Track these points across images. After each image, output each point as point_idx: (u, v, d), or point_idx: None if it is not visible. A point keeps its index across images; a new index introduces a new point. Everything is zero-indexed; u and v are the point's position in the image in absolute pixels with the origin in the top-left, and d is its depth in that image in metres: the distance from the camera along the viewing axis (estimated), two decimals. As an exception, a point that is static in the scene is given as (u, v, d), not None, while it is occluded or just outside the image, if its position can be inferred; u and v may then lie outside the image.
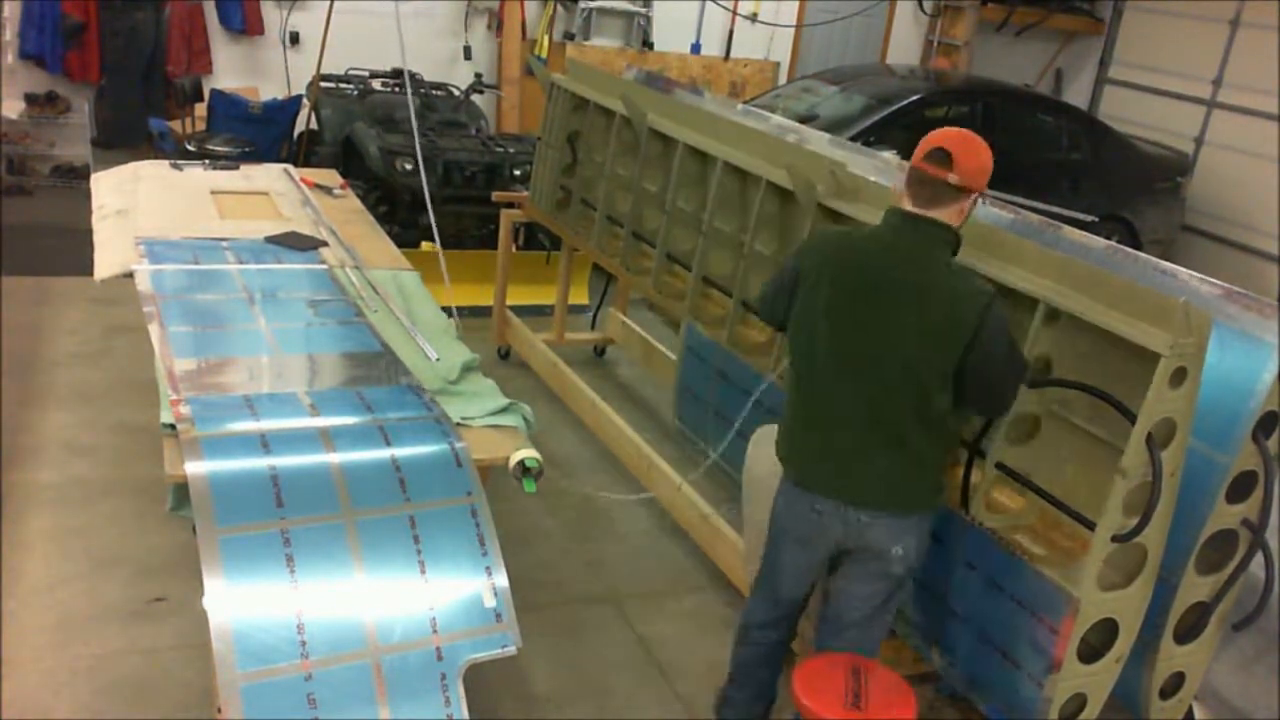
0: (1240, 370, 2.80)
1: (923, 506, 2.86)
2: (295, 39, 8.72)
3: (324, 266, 3.93)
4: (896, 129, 7.45)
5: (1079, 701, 2.93)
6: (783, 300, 2.96)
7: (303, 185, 4.93)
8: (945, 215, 2.75)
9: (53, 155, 8.02)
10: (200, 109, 7.80)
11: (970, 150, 2.76)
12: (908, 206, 2.77)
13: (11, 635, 3.39)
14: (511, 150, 7.27)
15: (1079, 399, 2.89)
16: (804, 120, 6.64)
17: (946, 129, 2.82)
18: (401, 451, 2.76)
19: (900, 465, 2.80)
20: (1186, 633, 3.02)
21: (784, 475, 3.00)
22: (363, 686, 2.40)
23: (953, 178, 2.72)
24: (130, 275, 3.65)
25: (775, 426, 3.71)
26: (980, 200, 2.89)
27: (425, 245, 6.57)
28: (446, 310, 3.82)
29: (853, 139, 6.45)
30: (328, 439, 2.74)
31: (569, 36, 9.54)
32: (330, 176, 5.26)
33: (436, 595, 2.56)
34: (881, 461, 2.80)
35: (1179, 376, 2.58)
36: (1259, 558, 2.99)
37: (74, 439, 4.57)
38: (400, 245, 4.46)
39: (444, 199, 7.03)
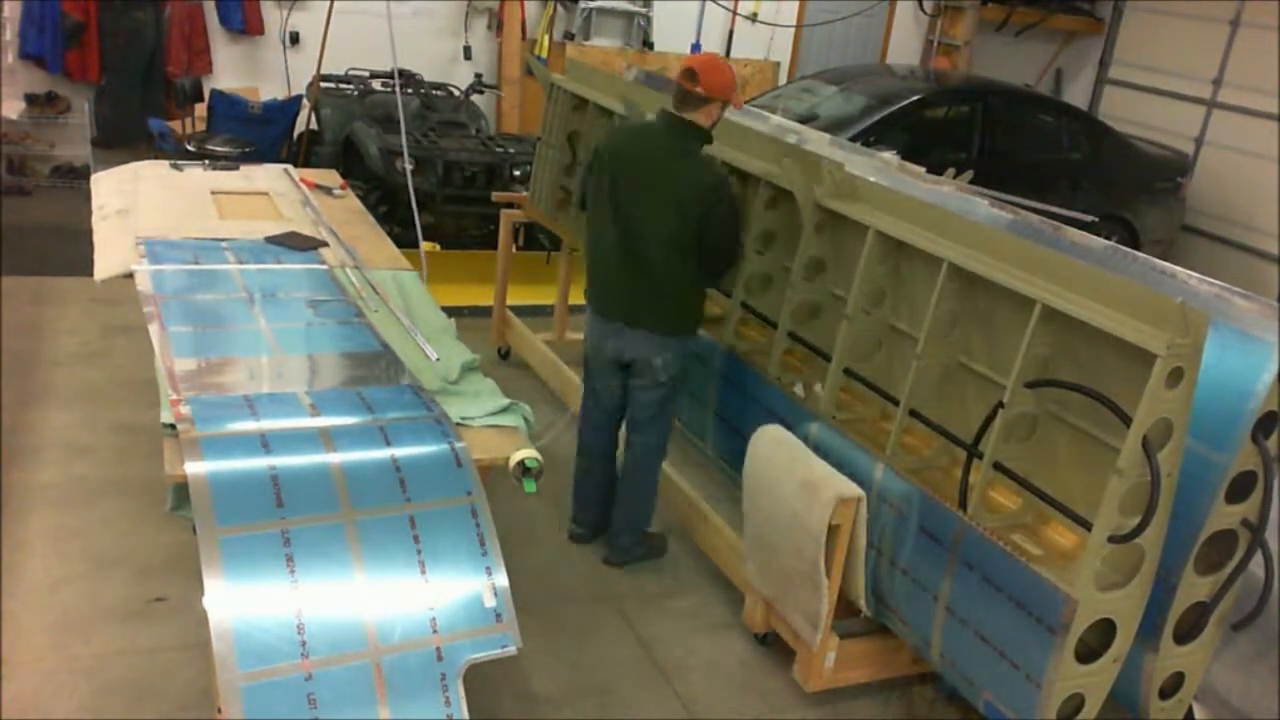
0: (1240, 370, 2.80)
1: (677, 331, 3.90)
2: (295, 39, 8.71)
3: (324, 266, 3.93)
4: (896, 129, 7.46)
5: (1077, 701, 2.93)
6: (588, 184, 4.01)
7: (303, 185, 4.93)
8: (697, 117, 3.73)
9: (53, 155, 8.02)
10: (200, 109, 7.79)
11: (711, 69, 3.71)
12: (673, 110, 3.76)
13: (11, 635, 3.39)
14: (511, 150, 7.27)
15: (1076, 398, 2.89)
16: (804, 120, 6.65)
17: (698, 54, 3.82)
18: (401, 451, 2.76)
19: (659, 299, 3.83)
20: (1186, 633, 3.02)
21: (587, 310, 4.05)
22: (363, 686, 2.40)
23: (699, 90, 3.67)
24: (130, 275, 3.65)
25: (776, 426, 3.73)
26: (728, 107, 3.79)
27: (425, 245, 6.57)
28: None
29: (853, 139, 6.45)
30: (328, 439, 2.74)
31: (569, 36, 9.55)
32: (330, 176, 5.26)
33: (436, 595, 2.56)
34: (646, 297, 3.83)
35: (1175, 377, 2.58)
36: (1258, 557, 2.99)
37: (74, 439, 4.57)
38: (400, 245, 4.46)
39: (444, 199, 7.04)
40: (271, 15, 8.72)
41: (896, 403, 3.39)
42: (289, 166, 5.39)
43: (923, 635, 3.33)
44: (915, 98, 7.80)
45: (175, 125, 7.77)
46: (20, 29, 8.04)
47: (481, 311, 6.17)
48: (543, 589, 4.04)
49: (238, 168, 5.18)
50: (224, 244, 4.00)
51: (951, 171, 4.33)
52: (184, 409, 2.76)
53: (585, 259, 4.10)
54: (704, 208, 3.66)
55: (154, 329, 3.25)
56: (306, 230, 4.28)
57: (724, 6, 9.84)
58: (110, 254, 3.85)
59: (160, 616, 3.58)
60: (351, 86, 7.98)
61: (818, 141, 4.69)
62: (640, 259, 3.79)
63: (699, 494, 4.36)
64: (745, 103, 6.49)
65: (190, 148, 7.02)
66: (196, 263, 3.79)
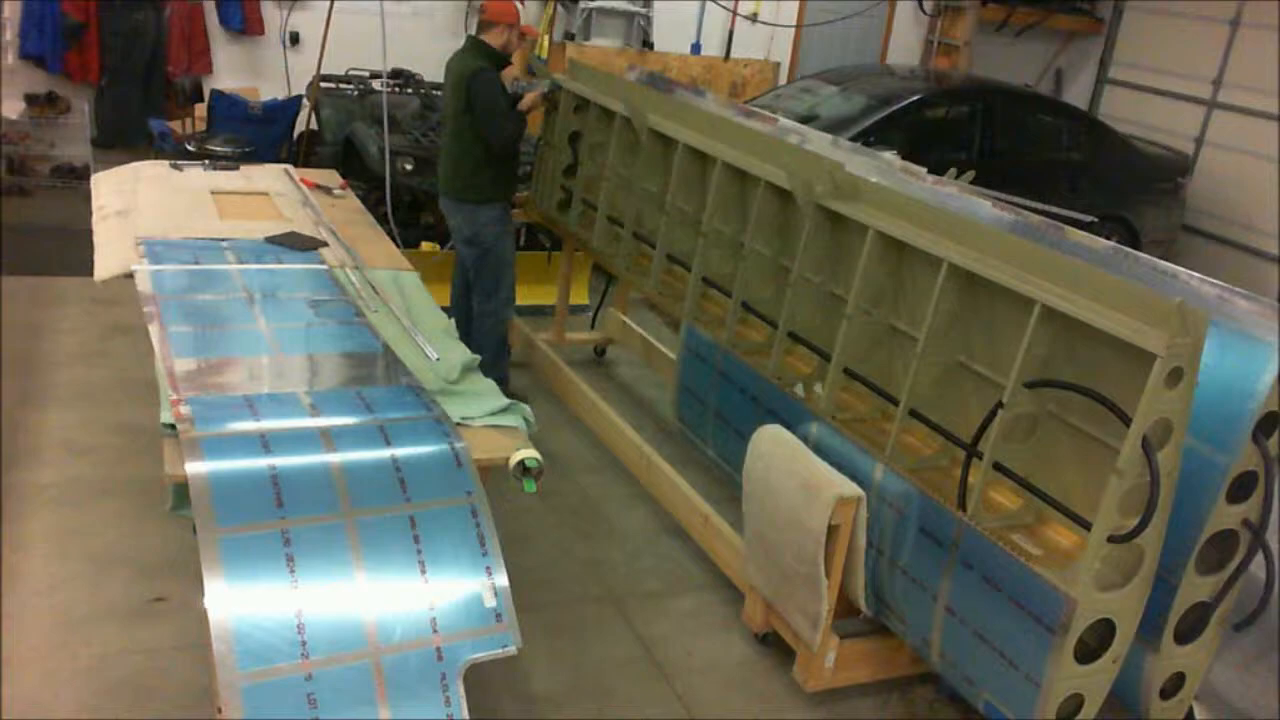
0: (1240, 370, 2.80)
1: (465, 199, 5.16)
2: (295, 39, 8.71)
3: (324, 266, 3.93)
4: (896, 129, 7.45)
5: (1076, 701, 2.93)
6: None
7: (303, 185, 4.93)
8: (487, 37, 5.02)
9: (53, 155, 8.02)
10: (200, 109, 7.79)
11: (491, 4, 5.02)
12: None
13: (11, 635, 3.39)
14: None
15: (1076, 398, 2.89)
16: (804, 120, 6.64)
17: None
18: (401, 451, 2.76)
19: (456, 175, 5.15)
20: (1187, 633, 3.02)
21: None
22: (363, 686, 2.40)
23: (485, 17, 5.03)
24: (130, 275, 3.65)
25: (776, 426, 3.73)
26: (513, 30, 5.03)
27: (425, 245, 6.57)
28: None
29: (853, 139, 6.45)
30: (328, 439, 2.74)
31: (569, 37, 9.54)
32: (330, 176, 5.26)
33: (436, 595, 2.56)
34: (445, 170, 5.22)
35: (1175, 376, 2.58)
36: (1259, 558, 2.99)
37: (74, 439, 4.58)
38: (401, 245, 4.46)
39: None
40: (271, 15, 8.71)
41: (896, 403, 3.39)
42: (289, 166, 5.39)
43: (922, 635, 3.33)
44: (915, 98, 7.79)
45: (175, 125, 7.77)
46: (20, 29, 8.05)
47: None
48: (543, 589, 4.04)
49: (238, 168, 5.18)
50: (224, 244, 4.00)
51: (952, 172, 4.33)
52: (184, 409, 2.76)
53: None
54: (466, 87, 4.91)
55: (154, 329, 3.25)
56: (306, 230, 4.27)
57: (724, 6, 9.84)
58: (110, 254, 3.85)
59: (160, 616, 3.58)
60: (351, 86, 7.97)
61: (818, 142, 4.69)
62: (446, 142, 5.20)
63: (699, 494, 4.35)
64: (745, 102, 6.51)
65: (190, 148, 7.00)
66: (196, 263, 3.78)
